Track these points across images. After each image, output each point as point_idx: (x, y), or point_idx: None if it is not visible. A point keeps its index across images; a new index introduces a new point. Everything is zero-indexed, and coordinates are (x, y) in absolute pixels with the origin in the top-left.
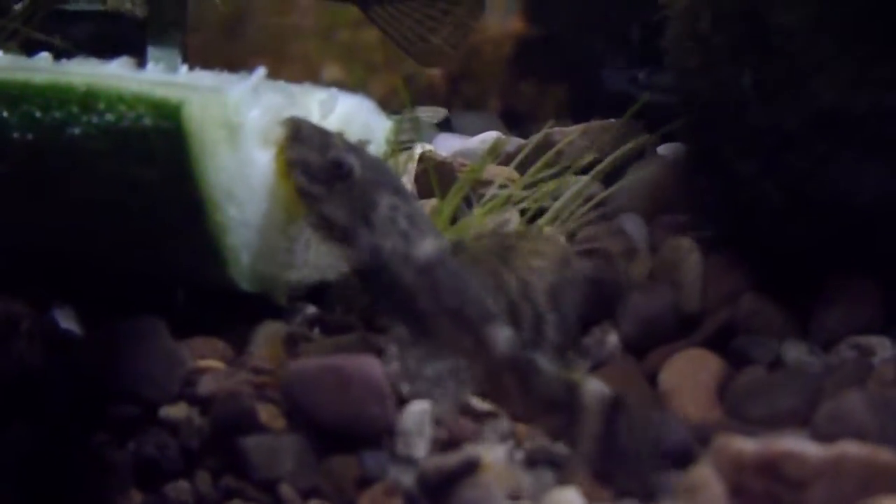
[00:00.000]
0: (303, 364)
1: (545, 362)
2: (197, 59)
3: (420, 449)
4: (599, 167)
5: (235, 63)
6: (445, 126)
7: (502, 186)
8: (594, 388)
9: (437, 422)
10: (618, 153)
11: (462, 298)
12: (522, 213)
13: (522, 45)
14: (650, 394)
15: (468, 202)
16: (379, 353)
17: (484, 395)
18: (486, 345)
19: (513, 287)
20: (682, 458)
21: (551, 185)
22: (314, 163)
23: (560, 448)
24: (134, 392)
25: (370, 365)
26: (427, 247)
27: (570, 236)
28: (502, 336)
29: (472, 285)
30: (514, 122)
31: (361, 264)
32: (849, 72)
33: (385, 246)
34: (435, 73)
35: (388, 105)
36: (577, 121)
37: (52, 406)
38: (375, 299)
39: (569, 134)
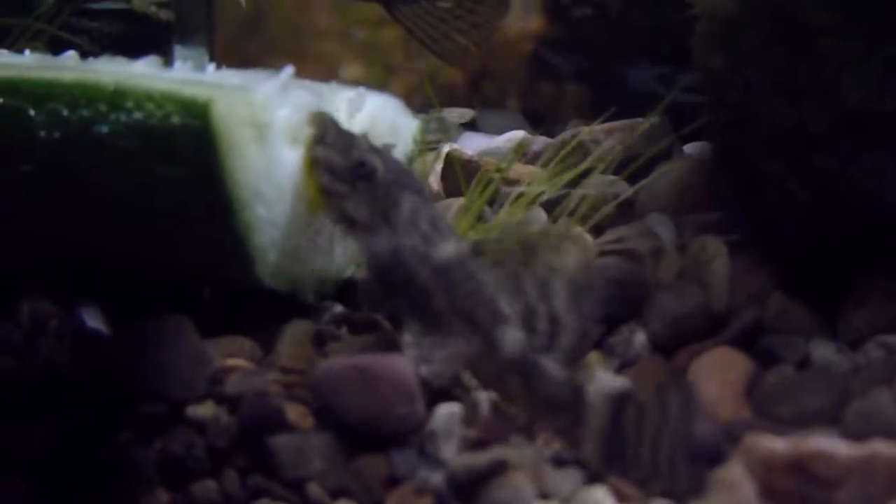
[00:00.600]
0: (332, 363)
1: (551, 365)
2: (219, 57)
3: (449, 449)
4: (627, 166)
5: (255, 62)
6: (470, 125)
7: (529, 185)
8: (601, 387)
9: (467, 422)
10: (645, 152)
11: (476, 300)
12: (549, 212)
13: (544, 43)
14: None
15: (495, 201)
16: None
17: (492, 393)
18: (495, 345)
19: (530, 290)
20: (712, 457)
21: (578, 184)
22: (338, 162)
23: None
24: (161, 391)
25: (399, 364)
26: (446, 249)
27: (598, 236)
28: (511, 337)
29: (488, 289)
30: (537, 121)
31: (380, 260)
32: (876, 72)
33: (405, 245)
34: (457, 72)
35: (408, 104)
36: (601, 120)
37: (78, 404)
38: (390, 296)
39: (595, 133)
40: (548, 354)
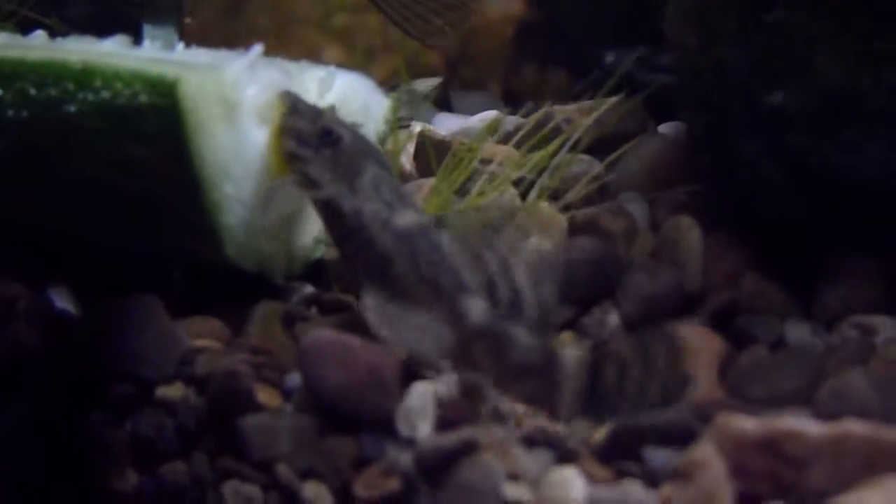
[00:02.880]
0: (319, 333)
1: (520, 332)
2: (195, 40)
3: (425, 427)
4: (599, 145)
5: (235, 45)
6: (445, 106)
7: (500, 165)
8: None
9: (440, 402)
10: (618, 132)
11: (439, 269)
12: (520, 191)
13: (523, 26)
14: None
15: (467, 181)
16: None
17: (456, 364)
18: (460, 314)
19: (492, 265)
20: (683, 438)
21: (549, 162)
22: (304, 129)
23: (556, 426)
24: (130, 372)
25: (381, 349)
26: (408, 217)
27: (570, 215)
28: (476, 306)
29: (450, 258)
30: (516, 103)
31: (341, 225)
32: (850, 48)
33: (366, 210)
34: (434, 54)
35: (388, 87)
36: (577, 100)
37: (47, 386)
38: (350, 261)
39: (568, 112)
40: (514, 323)
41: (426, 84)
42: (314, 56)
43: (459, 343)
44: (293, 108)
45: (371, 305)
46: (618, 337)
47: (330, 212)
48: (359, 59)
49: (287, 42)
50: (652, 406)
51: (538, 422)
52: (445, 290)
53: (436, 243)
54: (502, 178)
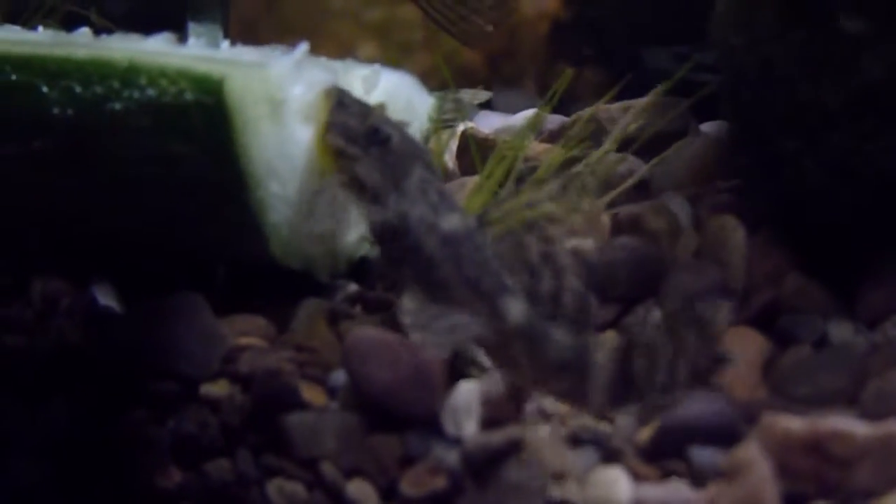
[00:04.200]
0: (365, 332)
1: (557, 331)
2: (234, 36)
3: (468, 427)
4: (642, 144)
5: (271, 41)
6: (486, 104)
7: (544, 163)
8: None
9: (485, 401)
10: (661, 131)
11: (482, 271)
12: (563, 189)
13: (560, 24)
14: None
15: (510, 179)
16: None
17: (495, 363)
18: (500, 314)
19: (535, 256)
20: (728, 437)
21: (593, 161)
22: (353, 127)
23: (603, 426)
24: (174, 369)
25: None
26: (454, 220)
27: (613, 214)
28: (516, 307)
29: (493, 260)
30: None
31: (386, 227)
32: (894, 48)
33: (413, 213)
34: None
35: (425, 84)
36: (617, 99)
37: (91, 383)
38: (394, 264)
39: (612, 111)
40: (553, 322)
41: (476, 95)
42: (349, 51)
43: (499, 342)
44: (340, 103)
45: (409, 309)
46: (649, 325)
47: (375, 213)
48: (394, 55)
49: (322, 37)
50: (682, 389)
51: (583, 420)
52: (487, 292)
53: (480, 245)
54: (545, 176)
